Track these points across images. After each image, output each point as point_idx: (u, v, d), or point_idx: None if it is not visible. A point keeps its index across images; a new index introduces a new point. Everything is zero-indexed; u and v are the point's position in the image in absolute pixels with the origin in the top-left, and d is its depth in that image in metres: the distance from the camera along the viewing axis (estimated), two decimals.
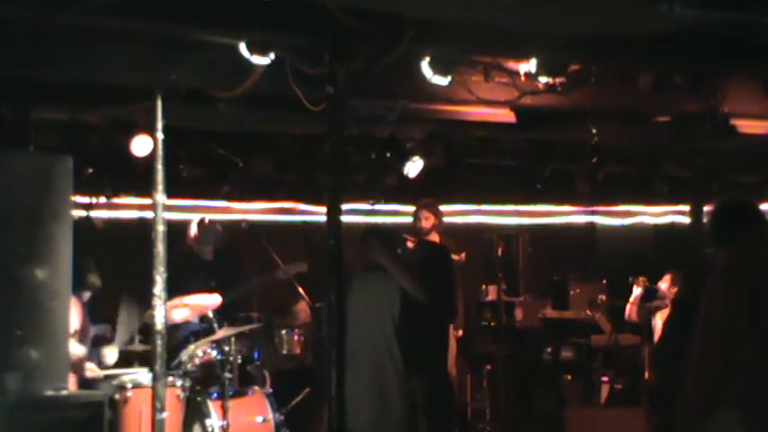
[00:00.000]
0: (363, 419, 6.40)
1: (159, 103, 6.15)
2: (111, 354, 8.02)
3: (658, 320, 9.86)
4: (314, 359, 8.91)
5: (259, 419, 7.80)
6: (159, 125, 6.13)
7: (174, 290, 7.50)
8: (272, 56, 6.47)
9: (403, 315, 6.66)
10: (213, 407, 7.66)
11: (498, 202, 12.12)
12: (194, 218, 9.23)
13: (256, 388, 8.05)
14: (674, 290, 9.85)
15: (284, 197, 10.99)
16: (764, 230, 5.32)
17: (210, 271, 8.92)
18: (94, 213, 9.30)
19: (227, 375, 7.73)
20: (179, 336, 8.46)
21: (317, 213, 10.57)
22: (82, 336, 7.91)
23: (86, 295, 8.03)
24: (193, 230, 9.04)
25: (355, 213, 10.19)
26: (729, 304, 5.03)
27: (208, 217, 9.29)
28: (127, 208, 9.99)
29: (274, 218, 10.93)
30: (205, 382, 7.85)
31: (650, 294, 9.89)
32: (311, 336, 9.03)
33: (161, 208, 6.04)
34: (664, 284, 9.96)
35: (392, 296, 6.63)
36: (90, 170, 8.70)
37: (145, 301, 7.75)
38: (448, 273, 7.43)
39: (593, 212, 12.93)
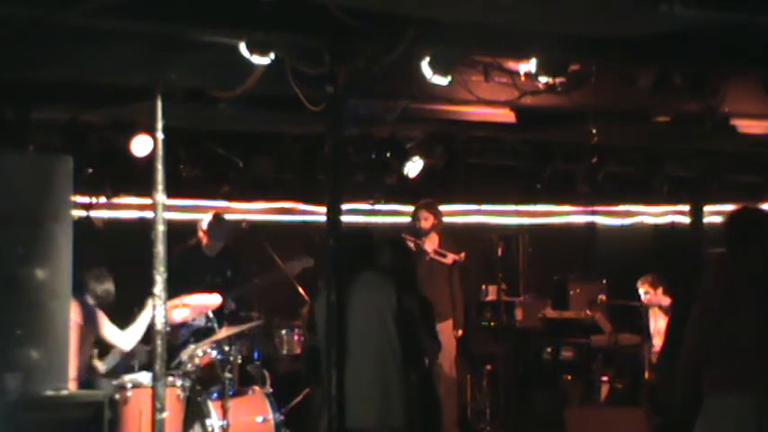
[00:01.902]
0: (369, 416, 6.42)
1: (159, 103, 6.16)
2: (101, 365, 8.01)
3: (654, 322, 9.88)
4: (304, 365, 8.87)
5: (259, 419, 7.81)
6: (159, 125, 6.14)
7: (177, 286, 7.53)
8: (272, 56, 6.47)
9: (398, 312, 6.69)
10: (213, 407, 7.66)
11: (498, 202, 12.12)
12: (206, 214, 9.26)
13: (256, 388, 8.05)
14: (659, 290, 9.88)
15: (284, 197, 10.98)
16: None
17: (215, 268, 8.92)
18: (94, 213, 9.30)
19: (227, 375, 7.73)
20: (179, 336, 8.47)
21: (316, 213, 10.56)
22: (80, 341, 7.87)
23: (91, 301, 7.96)
24: (206, 223, 9.02)
25: (355, 213, 10.19)
26: (724, 291, 5.09)
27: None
28: (127, 208, 9.98)
29: (274, 218, 10.93)
30: (205, 382, 7.85)
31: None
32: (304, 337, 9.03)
33: (161, 208, 6.05)
34: (645, 295, 9.99)
35: (390, 294, 6.64)
36: (90, 170, 8.69)
37: (144, 301, 7.77)
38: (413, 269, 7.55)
39: (593, 212, 12.92)
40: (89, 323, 7.66)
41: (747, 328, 5.06)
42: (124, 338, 7.75)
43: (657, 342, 9.62)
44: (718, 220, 10.67)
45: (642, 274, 10.18)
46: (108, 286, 7.89)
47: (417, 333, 6.75)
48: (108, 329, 7.73)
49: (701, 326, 5.09)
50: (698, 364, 5.05)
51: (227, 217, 9.51)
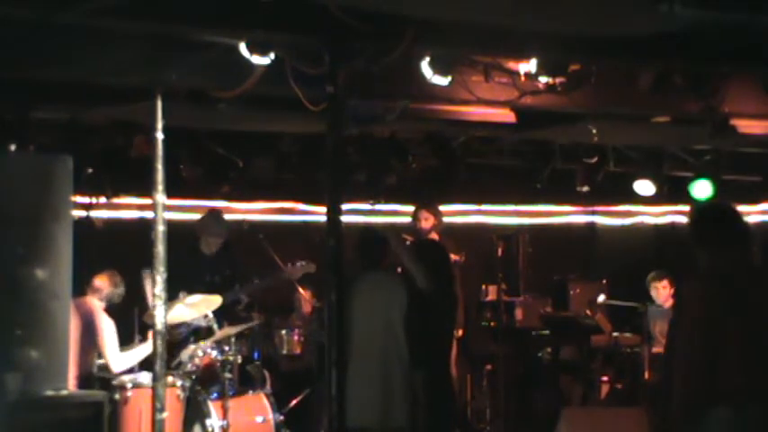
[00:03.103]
0: (370, 415, 6.43)
1: (159, 103, 6.16)
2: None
3: (654, 323, 9.88)
4: (315, 360, 8.89)
5: (259, 419, 7.81)
6: (159, 125, 6.14)
7: (176, 285, 7.52)
8: (272, 56, 6.47)
9: (408, 312, 6.70)
10: (213, 407, 7.67)
11: (498, 202, 12.13)
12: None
13: (256, 388, 8.05)
14: (673, 290, 9.87)
15: (284, 197, 10.99)
16: (741, 232, 5.32)
17: (214, 266, 8.91)
18: (94, 213, 9.30)
19: (227, 375, 7.74)
20: (179, 336, 8.47)
21: (317, 213, 10.57)
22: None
23: (97, 303, 7.93)
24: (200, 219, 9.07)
25: (355, 213, 10.19)
26: (708, 307, 5.04)
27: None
28: (127, 208, 9.99)
29: (274, 218, 10.93)
30: (205, 382, 7.85)
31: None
32: (311, 334, 9.02)
33: (161, 208, 6.05)
34: (663, 291, 9.99)
35: (399, 294, 6.66)
36: (90, 170, 8.69)
37: (144, 301, 7.77)
38: (447, 269, 7.52)
39: (593, 212, 12.93)
40: (101, 328, 7.69)
41: (750, 338, 5.02)
42: (118, 359, 7.74)
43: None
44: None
45: (643, 274, 10.18)
46: (122, 289, 7.96)
47: (428, 316, 6.78)
48: (110, 343, 7.74)
49: (702, 341, 5.02)
50: (704, 380, 5.00)
51: (227, 217, 9.51)
